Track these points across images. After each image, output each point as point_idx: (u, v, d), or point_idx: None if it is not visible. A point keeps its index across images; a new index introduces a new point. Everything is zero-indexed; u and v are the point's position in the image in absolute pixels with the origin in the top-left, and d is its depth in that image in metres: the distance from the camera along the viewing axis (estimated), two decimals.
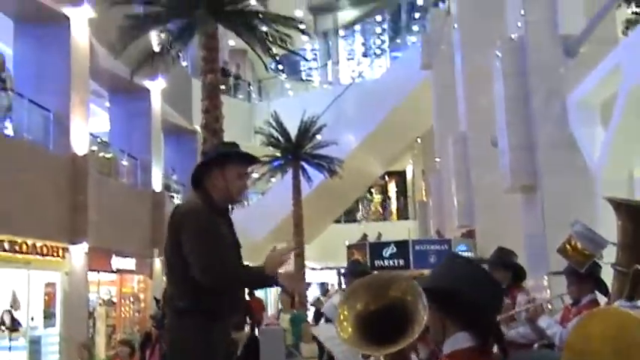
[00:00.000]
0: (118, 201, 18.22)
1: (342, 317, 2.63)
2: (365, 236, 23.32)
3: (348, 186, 26.69)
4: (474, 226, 15.67)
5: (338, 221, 33.39)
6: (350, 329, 2.61)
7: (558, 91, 10.50)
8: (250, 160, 4.34)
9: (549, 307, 5.74)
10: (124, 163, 20.49)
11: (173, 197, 23.06)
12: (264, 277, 3.92)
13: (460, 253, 14.97)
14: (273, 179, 27.56)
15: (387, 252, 15.15)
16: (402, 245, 15.20)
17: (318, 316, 15.22)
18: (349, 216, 35.78)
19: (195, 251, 3.84)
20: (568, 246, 4.42)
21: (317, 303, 17.70)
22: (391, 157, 29.65)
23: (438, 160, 21.44)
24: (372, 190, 37.08)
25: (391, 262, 15.12)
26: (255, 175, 30.93)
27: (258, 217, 26.36)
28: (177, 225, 3.95)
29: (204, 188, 4.09)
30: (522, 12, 11.30)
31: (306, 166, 23.62)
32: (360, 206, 36.70)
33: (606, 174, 8.97)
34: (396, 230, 25.66)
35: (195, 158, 27.50)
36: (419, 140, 29.74)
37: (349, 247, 16.66)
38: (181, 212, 4.02)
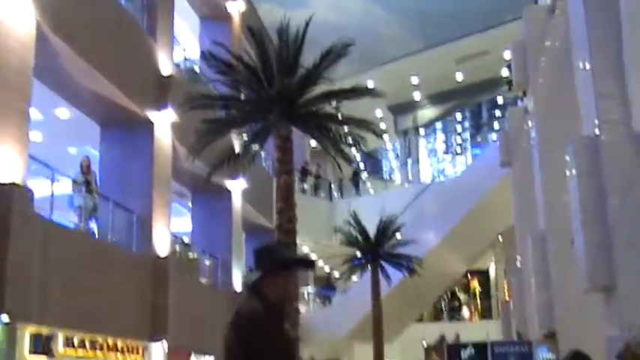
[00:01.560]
0: (199, 301, 18.51)
1: None
2: (443, 337, 22.82)
3: (429, 285, 26.39)
4: (556, 327, 15.13)
5: (420, 320, 32.84)
6: None
7: (634, 190, 10.26)
8: (311, 267, 4.58)
9: None
10: (206, 262, 20.90)
11: None
12: None
13: (542, 356, 14.46)
14: (354, 278, 27.51)
15: (465, 354, 14.75)
16: (480, 347, 14.79)
17: None
18: (431, 316, 35.18)
19: (263, 355, 3.99)
20: (628, 353, 4.29)
21: None
22: (472, 255, 29.24)
23: (519, 258, 21.00)
24: (456, 290, 36.46)
25: None
26: (336, 274, 31.00)
27: (340, 316, 26.26)
28: (241, 330, 4.05)
29: (259, 288, 4.16)
30: (595, 111, 11.22)
31: (385, 264, 23.50)
32: (443, 306, 36.05)
33: None
34: (478, 331, 25.01)
35: None
36: (500, 238, 29.26)
37: (427, 349, 16.34)
38: (248, 317, 4.08)
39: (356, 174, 35.11)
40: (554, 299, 15.21)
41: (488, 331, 21.73)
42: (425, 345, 16.72)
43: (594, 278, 10.60)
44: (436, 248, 25.61)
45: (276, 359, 4.09)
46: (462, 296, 36.75)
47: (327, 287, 33.03)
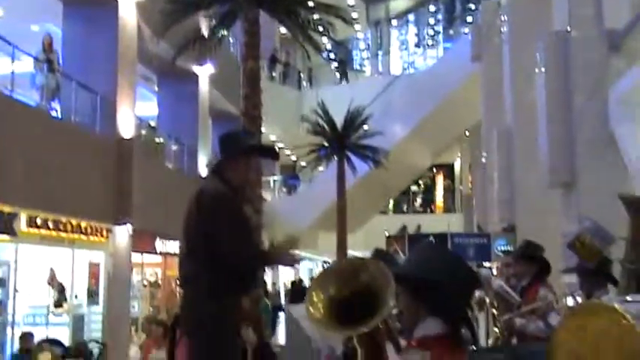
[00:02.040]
0: (164, 185, 18.47)
1: (314, 299, 2.68)
2: (404, 228, 23.24)
3: (394, 177, 26.64)
4: (515, 221, 15.48)
5: (384, 212, 33.39)
6: (321, 311, 2.66)
7: (601, 88, 10.28)
8: (274, 157, 4.83)
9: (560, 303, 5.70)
10: (172, 147, 20.77)
11: None
12: (272, 262, 4.58)
13: (499, 247, 14.83)
14: (320, 168, 27.64)
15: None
16: (440, 238, 15.06)
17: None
18: (396, 207, 35.75)
19: (227, 234, 4.12)
20: (578, 242, 4.38)
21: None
22: (439, 149, 29.45)
23: (484, 153, 21.20)
24: (420, 183, 36.93)
25: None
26: (302, 164, 31.11)
27: (304, 205, 26.55)
28: (204, 208, 4.19)
29: (222, 172, 4.34)
30: (568, 6, 11.08)
31: (351, 155, 23.59)
32: (408, 198, 36.60)
33: None
34: (441, 223, 25.49)
35: None
36: (467, 133, 29.44)
37: (388, 238, 16.62)
38: (209, 196, 4.24)
39: (342, 62, 34.60)
40: (515, 194, 15.48)
41: (450, 223, 22.15)
42: (387, 235, 17.02)
43: (555, 175, 10.78)
44: (403, 141, 25.70)
45: (236, 239, 4.16)
46: (419, 189, 37.29)
47: (292, 176, 33.23)
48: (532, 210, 14.18)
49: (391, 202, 35.62)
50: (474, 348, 6.55)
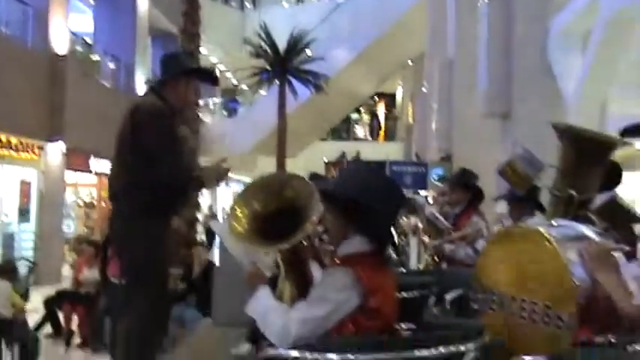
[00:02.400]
0: (100, 103, 17.99)
1: (237, 214, 2.62)
2: (343, 154, 23.26)
3: (336, 104, 26.53)
4: (453, 151, 15.63)
5: (325, 139, 33.33)
6: (245, 226, 2.61)
7: (542, 18, 10.26)
8: (213, 82, 4.83)
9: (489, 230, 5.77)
10: (109, 64, 20.19)
11: None
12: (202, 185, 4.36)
13: (436, 176, 14.98)
14: (262, 92, 27.29)
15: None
16: (378, 166, 15.10)
17: None
18: (335, 134, 35.71)
19: (160, 150, 4.03)
20: (508, 168, 4.39)
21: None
22: (382, 77, 29.29)
23: (425, 84, 21.24)
24: (362, 110, 36.93)
25: None
26: (243, 87, 30.67)
27: (244, 129, 26.29)
28: (139, 123, 4.08)
29: (160, 90, 4.27)
30: None
31: (293, 80, 23.30)
32: (347, 126, 36.59)
33: (579, 104, 8.86)
34: (382, 151, 25.60)
35: None
36: (410, 63, 29.36)
37: (327, 164, 16.64)
38: (145, 111, 4.13)
39: None
40: (454, 124, 15.59)
41: (390, 152, 22.27)
42: (325, 160, 17.01)
43: (493, 104, 10.84)
44: (346, 67, 25.46)
45: (169, 157, 4.08)
46: (361, 116, 37.34)
47: (233, 100, 32.79)
48: (469, 140, 14.30)
49: (332, 129, 35.60)
50: (404, 270, 6.64)
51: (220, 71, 30.78)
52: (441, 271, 5.67)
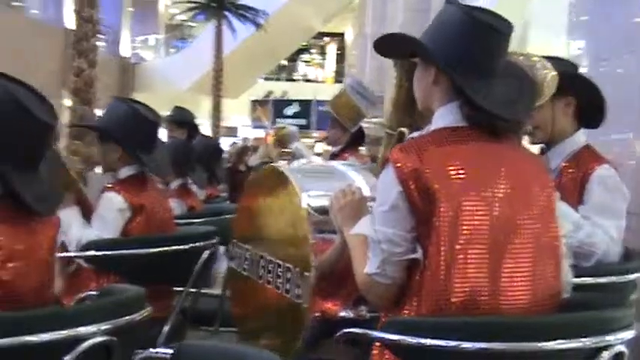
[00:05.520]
0: (21, 36, 17.12)
1: None
2: (269, 93, 22.62)
3: (280, 41, 25.74)
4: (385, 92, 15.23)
5: (271, 78, 32.59)
6: None
7: None
8: None
9: None
10: None
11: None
12: None
13: None
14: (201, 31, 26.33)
15: (290, 110, 14.58)
16: (305, 104, 14.62)
17: None
18: (287, 75, 35.02)
19: None
20: (338, 100, 3.99)
21: None
22: (328, 15, 28.52)
23: (367, 24, 20.67)
24: (312, 51, 36.23)
25: (293, 122, 14.59)
26: (191, 24, 29.73)
27: (182, 67, 25.45)
28: None
29: None
30: None
31: (230, 16, 22.49)
32: (293, 65, 35.88)
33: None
34: (327, 92, 24.94)
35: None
36: (358, 1, 28.61)
37: (253, 102, 16.09)
38: None
39: None
40: (386, 65, 15.16)
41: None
42: (251, 99, 16.45)
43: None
44: (288, 3, 24.62)
45: None
46: (310, 56, 36.67)
47: (181, 38, 31.81)
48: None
49: (282, 69, 34.86)
50: None
51: (166, 6, 29.84)
52: None
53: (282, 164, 3.08)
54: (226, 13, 22.34)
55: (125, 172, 3.27)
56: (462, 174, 1.82)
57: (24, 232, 1.99)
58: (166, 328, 3.03)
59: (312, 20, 27.89)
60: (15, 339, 1.65)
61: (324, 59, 37.26)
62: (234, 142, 14.33)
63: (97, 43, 11.35)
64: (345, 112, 3.99)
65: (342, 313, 2.29)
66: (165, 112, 5.80)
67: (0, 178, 1.95)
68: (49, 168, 2.08)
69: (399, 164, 1.83)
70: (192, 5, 22.69)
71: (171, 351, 1.62)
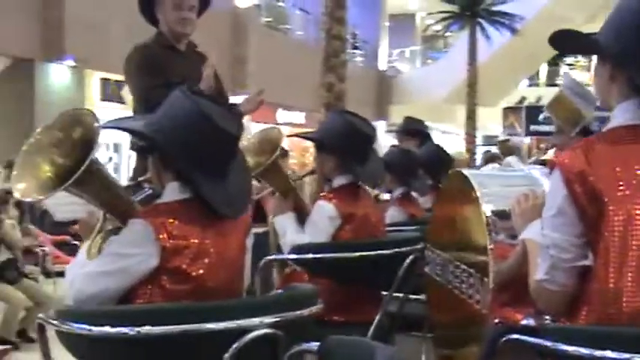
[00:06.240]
0: (286, 55, 18.21)
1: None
2: (523, 99, 21.73)
3: (540, 46, 24.65)
4: None
5: (534, 84, 31.43)
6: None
7: None
8: None
9: None
10: (296, 12, 20.36)
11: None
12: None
13: None
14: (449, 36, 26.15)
15: (542, 117, 14.03)
16: None
17: None
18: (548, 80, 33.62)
19: (133, 85, 3.67)
20: (556, 103, 3.77)
21: None
22: (589, 15, 26.93)
23: None
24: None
25: (547, 128, 14.03)
26: (447, 34, 29.73)
27: (438, 77, 25.51)
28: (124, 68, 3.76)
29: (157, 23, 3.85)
30: None
31: (483, 23, 22.10)
32: (560, 69, 34.27)
33: None
34: None
35: (379, 13, 26.89)
36: None
37: (505, 110, 15.72)
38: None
39: None
40: None
41: None
42: (503, 107, 16.06)
43: None
44: (548, 5, 23.68)
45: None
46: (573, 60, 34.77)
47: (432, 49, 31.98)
48: None
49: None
50: None
51: (422, 17, 30.20)
52: None
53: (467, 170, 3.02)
54: (480, 20, 22.01)
55: (339, 181, 3.49)
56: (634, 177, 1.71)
57: (213, 232, 2.15)
58: (370, 332, 3.10)
59: (574, 21, 26.52)
60: (189, 326, 1.82)
61: (589, 60, 35.25)
62: (487, 151, 14.09)
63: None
64: (564, 116, 3.76)
65: (524, 322, 2.22)
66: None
67: (190, 183, 2.15)
68: (238, 175, 2.26)
69: (564, 166, 1.76)
70: (446, 15, 22.63)
71: (317, 344, 1.71)
